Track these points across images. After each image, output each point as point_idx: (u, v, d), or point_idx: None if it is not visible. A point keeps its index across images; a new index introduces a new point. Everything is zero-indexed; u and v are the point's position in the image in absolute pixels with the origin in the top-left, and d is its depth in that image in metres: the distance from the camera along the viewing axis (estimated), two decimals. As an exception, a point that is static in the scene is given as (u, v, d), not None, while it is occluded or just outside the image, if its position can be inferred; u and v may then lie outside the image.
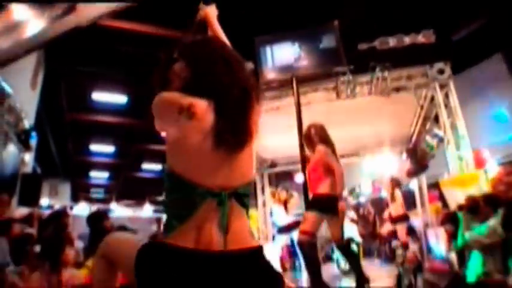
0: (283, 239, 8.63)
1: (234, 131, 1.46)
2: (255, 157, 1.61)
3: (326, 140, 4.80)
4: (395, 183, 8.72)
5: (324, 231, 7.05)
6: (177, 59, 1.61)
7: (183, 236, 1.40)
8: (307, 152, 4.94)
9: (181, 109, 1.42)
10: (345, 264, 7.47)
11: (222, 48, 1.68)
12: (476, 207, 4.65)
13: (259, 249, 1.53)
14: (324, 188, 4.63)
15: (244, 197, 1.52)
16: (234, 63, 1.61)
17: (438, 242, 7.63)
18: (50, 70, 9.76)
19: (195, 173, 1.44)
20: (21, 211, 6.18)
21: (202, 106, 1.44)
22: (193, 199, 1.41)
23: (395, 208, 8.50)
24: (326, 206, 4.55)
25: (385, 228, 9.72)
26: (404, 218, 8.44)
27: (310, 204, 4.79)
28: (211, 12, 2.19)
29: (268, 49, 7.07)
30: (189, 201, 1.42)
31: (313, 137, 4.83)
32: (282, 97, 7.34)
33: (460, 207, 5.12)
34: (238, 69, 1.60)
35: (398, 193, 8.54)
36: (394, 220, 8.53)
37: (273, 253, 8.40)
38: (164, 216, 1.69)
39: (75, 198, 20.04)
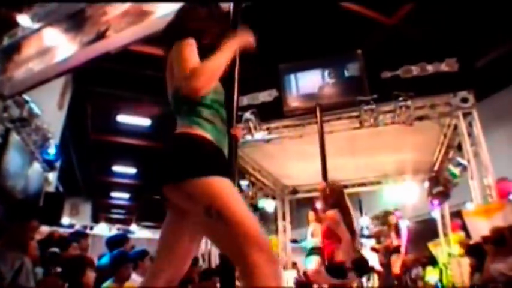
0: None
1: None
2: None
3: (339, 204, 4.72)
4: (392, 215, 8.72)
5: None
6: None
7: None
8: (319, 206, 4.94)
9: None
10: None
11: None
12: (503, 239, 4.56)
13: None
14: (338, 255, 4.61)
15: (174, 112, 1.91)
16: None
17: (461, 273, 7.44)
18: (77, 91, 10.00)
19: None
20: (42, 230, 6.25)
21: None
22: None
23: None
24: (341, 272, 4.52)
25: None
26: (397, 249, 8.38)
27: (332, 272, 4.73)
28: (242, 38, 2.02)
29: (292, 77, 7.16)
30: None
31: (328, 198, 4.78)
32: (305, 125, 7.37)
33: (485, 239, 5.02)
34: None
35: (402, 224, 8.52)
36: (391, 251, 8.46)
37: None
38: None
39: (96, 218, 20.20)
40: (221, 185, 1.62)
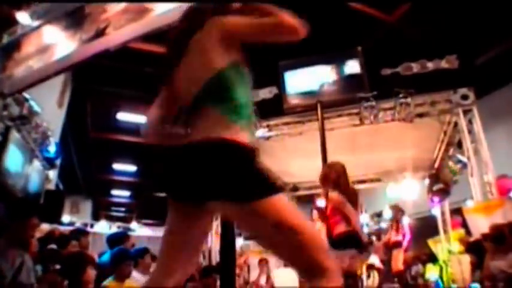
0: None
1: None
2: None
3: (339, 184, 4.64)
4: (399, 210, 8.71)
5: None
6: None
7: None
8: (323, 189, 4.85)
9: None
10: None
11: None
12: (502, 237, 4.57)
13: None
14: (341, 227, 4.54)
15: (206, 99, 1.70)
16: None
17: (462, 270, 7.45)
18: (77, 89, 10.00)
19: None
20: (43, 228, 6.25)
21: None
22: None
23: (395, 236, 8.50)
24: (348, 242, 4.45)
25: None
26: (397, 245, 8.40)
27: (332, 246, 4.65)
28: None
29: (292, 74, 7.14)
30: None
31: (327, 181, 4.66)
32: (305, 122, 7.36)
33: (485, 237, 5.03)
34: None
35: (403, 220, 8.54)
36: (390, 247, 8.47)
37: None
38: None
39: (96, 216, 20.22)
40: (285, 202, 1.61)
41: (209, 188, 1.58)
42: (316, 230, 1.68)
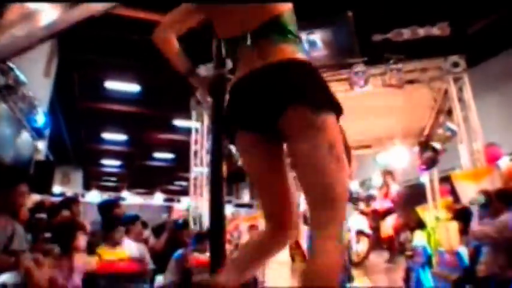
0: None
1: None
2: None
3: None
4: (389, 175, 8.78)
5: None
6: None
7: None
8: None
9: None
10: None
11: None
12: (489, 202, 4.63)
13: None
14: None
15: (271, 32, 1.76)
16: None
17: (449, 237, 7.60)
18: (63, 58, 9.84)
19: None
20: (33, 198, 6.24)
21: None
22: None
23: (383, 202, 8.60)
24: None
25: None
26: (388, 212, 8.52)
27: None
28: None
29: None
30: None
31: None
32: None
33: (472, 202, 5.10)
34: None
35: (393, 187, 8.62)
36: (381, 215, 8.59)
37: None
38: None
39: (87, 186, 20.26)
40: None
41: (286, 95, 1.61)
42: None
